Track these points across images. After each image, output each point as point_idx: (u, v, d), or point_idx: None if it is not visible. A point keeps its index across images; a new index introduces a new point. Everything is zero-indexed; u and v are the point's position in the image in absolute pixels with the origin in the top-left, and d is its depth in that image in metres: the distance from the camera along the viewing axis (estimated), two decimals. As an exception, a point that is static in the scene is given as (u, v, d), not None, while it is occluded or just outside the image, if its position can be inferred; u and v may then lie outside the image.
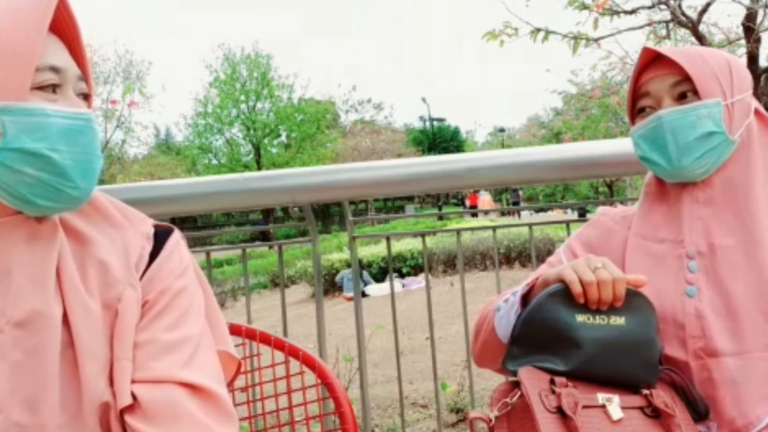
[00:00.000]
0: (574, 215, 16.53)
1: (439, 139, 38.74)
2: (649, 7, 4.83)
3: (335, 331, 5.14)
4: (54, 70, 0.69)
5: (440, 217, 18.79)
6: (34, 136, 0.66)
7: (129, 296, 0.73)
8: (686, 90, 0.95)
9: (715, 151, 0.93)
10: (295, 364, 1.13)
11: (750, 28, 4.35)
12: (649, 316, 0.90)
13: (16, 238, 0.69)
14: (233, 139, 26.23)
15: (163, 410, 0.69)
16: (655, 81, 0.97)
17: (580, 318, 0.87)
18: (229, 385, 0.85)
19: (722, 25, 6.52)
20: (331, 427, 1.21)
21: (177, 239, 0.82)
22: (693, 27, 4.54)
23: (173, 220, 1.40)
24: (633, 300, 0.90)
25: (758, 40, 4.37)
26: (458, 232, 2.14)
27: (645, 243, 1.00)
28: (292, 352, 1.13)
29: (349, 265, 8.57)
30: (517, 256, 9.05)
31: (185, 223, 21.71)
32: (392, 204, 33.09)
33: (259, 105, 25.93)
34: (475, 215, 21.88)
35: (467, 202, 28.88)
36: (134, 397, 0.70)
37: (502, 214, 21.36)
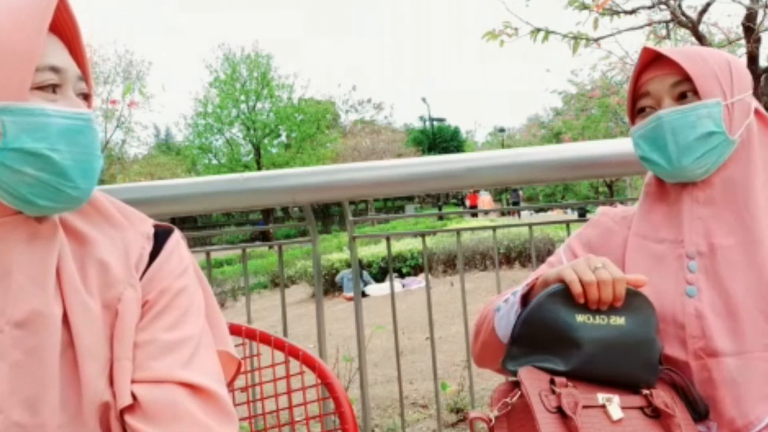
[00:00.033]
0: (574, 215, 16.53)
1: (439, 139, 38.75)
2: (649, 7, 4.83)
3: (335, 331, 5.14)
4: (54, 70, 0.69)
5: (440, 217, 18.79)
6: (34, 136, 0.66)
7: (129, 296, 0.73)
8: (686, 90, 0.95)
9: (715, 151, 0.93)
10: (295, 364, 1.13)
11: (750, 28, 4.35)
12: (649, 316, 0.90)
13: (16, 238, 0.69)
14: (233, 139, 26.23)
15: (163, 410, 0.69)
16: (655, 81, 0.97)
17: (580, 318, 0.87)
18: (229, 385, 0.85)
19: (722, 25, 6.53)
20: (331, 427, 1.21)
21: (177, 239, 0.82)
22: (693, 27, 4.54)
23: (173, 220, 1.40)
24: (633, 300, 0.90)
25: (758, 40, 4.37)
26: (458, 232, 2.14)
27: (645, 243, 1.00)
28: (292, 352, 1.13)
29: (349, 265, 8.57)
30: (517, 256, 9.05)
31: (185, 223, 21.71)
32: (392, 204, 33.09)
33: (259, 105, 25.94)
34: (475, 215, 21.88)
35: (467, 202, 28.88)
36: (134, 397, 0.70)
37: (502, 214, 21.36)
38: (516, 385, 0.86)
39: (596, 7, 4.48)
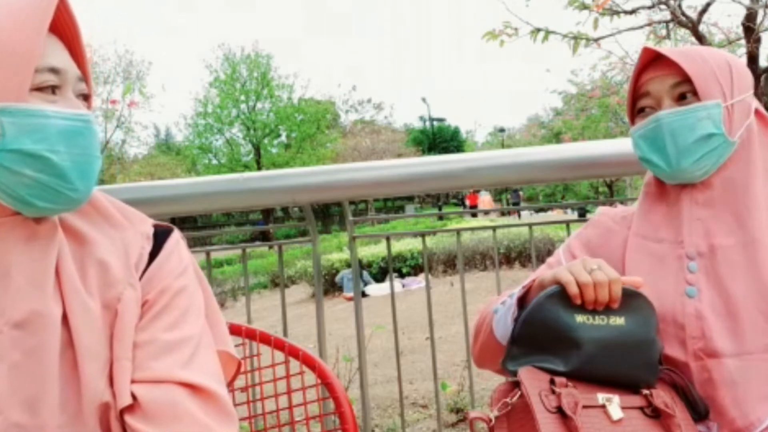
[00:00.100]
0: (574, 215, 16.53)
1: (439, 139, 38.75)
2: (649, 7, 4.83)
3: (335, 331, 5.14)
4: (54, 71, 0.69)
5: (440, 217, 18.79)
6: (34, 137, 0.66)
7: (129, 296, 0.73)
8: (686, 91, 0.94)
9: (714, 152, 0.93)
10: (295, 364, 1.13)
11: (750, 28, 4.35)
12: (648, 317, 0.90)
13: (14, 239, 0.69)
14: (233, 139, 26.24)
15: (163, 410, 0.69)
16: (655, 81, 0.97)
17: (580, 318, 0.87)
18: (229, 385, 0.85)
19: (722, 25, 6.53)
20: (331, 427, 1.21)
21: (177, 239, 0.82)
22: (693, 27, 4.54)
23: (173, 220, 1.39)
24: (633, 300, 0.90)
25: (758, 40, 4.37)
26: (458, 232, 2.14)
27: (645, 243, 1.00)
28: (292, 352, 1.13)
29: (349, 265, 8.57)
30: (517, 256, 9.05)
31: (185, 223, 21.71)
32: (392, 204, 33.09)
33: (259, 105, 25.94)
34: (475, 215, 21.88)
35: (467, 202, 28.88)
36: (134, 397, 0.69)
37: (502, 214, 21.36)
38: (516, 385, 0.86)
39: (596, 7, 4.48)
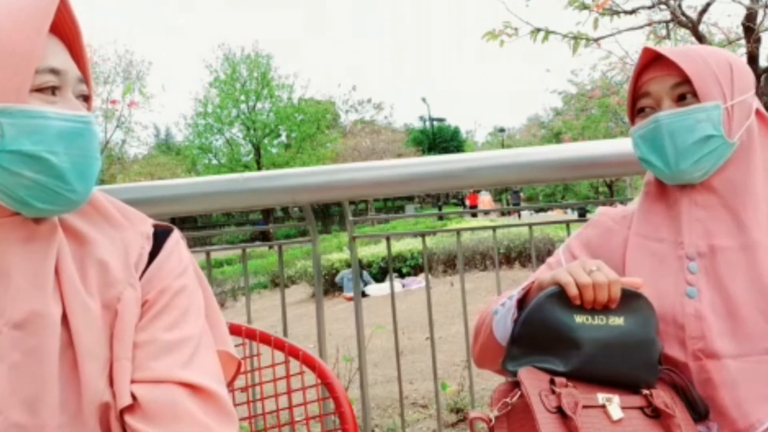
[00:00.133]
0: (574, 215, 16.52)
1: (439, 139, 38.75)
2: (649, 7, 4.83)
3: (335, 331, 5.14)
4: (54, 72, 0.69)
5: (440, 217, 18.79)
6: (33, 138, 0.65)
7: (128, 296, 0.73)
8: (686, 92, 0.94)
9: (713, 154, 0.93)
10: (295, 364, 1.13)
11: (750, 28, 4.35)
12: (648, 317, 0.90)
13: (13, 239, 0.69)
14: (233, 139, 26.24)
15: (163, 410, 0.69)
16: (656, 81, 0.97)
17: (579, 318, 0.87)
18: (229, 385, 0.85)
19: (722, 25, 6.53)
20: (331, 427, 1.21)
21: (176, 239, 0.82)
22: (693, 27, 4.53)
23: (173, 220, 1.39)
24: (632, 300, 0.90)
25: (758, 40, 4.37)
26: (458, 232, 2.14)
27: (646, 243, 1.00)
28: (292, 352, 1.13)
29: (349, 265, 8.57)
30: (517, 256, 9.05)
31: (185, 223, 21.72)
32: (392, 204, 33.09)
33: (259, 105, 25.94)
34: (475, 215, 21.88)
35: (467, 202, 28.88)
36: (134, 397, 0.69)
37: (502, 214, 21.36)
38: (516, 385, 0.86)
39: (596, 7, 4.48)
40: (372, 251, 10.19)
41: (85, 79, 0.74)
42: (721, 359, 0.88)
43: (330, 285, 9.42)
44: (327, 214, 29.05)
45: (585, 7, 4.49)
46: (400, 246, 9.93)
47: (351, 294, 7.39)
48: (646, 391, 0.86)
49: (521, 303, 0.95)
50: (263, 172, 1.81)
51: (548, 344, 0.88)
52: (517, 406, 0.85)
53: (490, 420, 0.85)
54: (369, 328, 2.39)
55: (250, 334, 1.15)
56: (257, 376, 1.20)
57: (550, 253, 1.17)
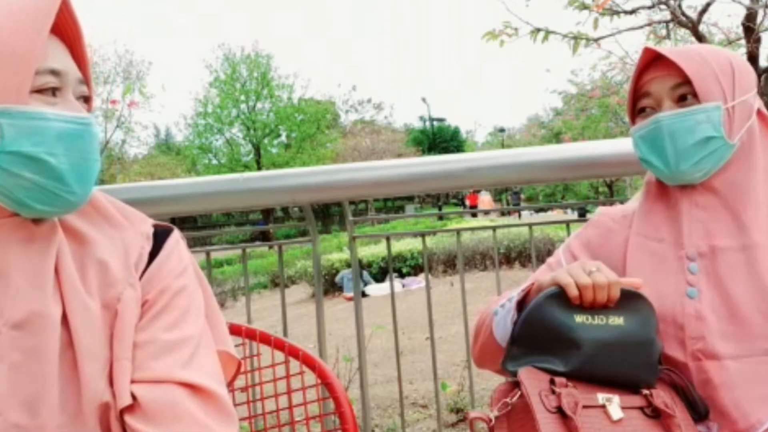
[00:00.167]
0: (574, 215, 16.52)
1: (439, 139, 38.75)
2: (649, 7, 4.82)
3: (335, 331, 5.14)
4: (54, 73, 0.69)
5: (440, 217, 18.79)
6: (33, 139, 0.65)
7: (128, 296, 0.73)
8: (686, 92, 0.94)
9: (713, 155, 0.93)
10: (295, 364, 1.13)
11: (750, 28, 4.34)
12: (648, 317, 0.90)
13: (13, 240, 0.69)
14: (233, 139, 26.24)
15: (163, 410, 0.69)
16: (656, 82, 0.97)
17: (579, 318, 0.87)
18: (229, 385, 0.85)
19: (722, 25, 6.53)
20: (331, 427, 1.21)
21: (176, 239, 0.82)
22: (693, 27, 4.53)
23: (173, 220, 1.39)
24: (632, 300, 0.90)
25: (758, 40, 4.37)
26: (458, 232, 2.14)
27: (646, 242, 1.00)
28: (292, 352, 1.13)
29: (349, 265, 8.56)
30: (517, 256, 9.05)
31: (185, 223, 21.71)
32: (392, 204, 33.08)
33: (259, 105, 25.95)
34: (475, 215, 21.88)
35: (467, 202, 28.88)
36: (134, 397, 0.69)
37: (502, 214, 21.36)
38: (516, 385, 0.86)
39: (596, 7, 4.48)
40: (372, 251, 10.19)
41: (85, 80, 0.74)
42: (721, 360, 0.88)
43: (330, 285, 9.42)
44: (327, 214, 29.05)
45: (585, 7, 4.49)
46: (400, 246, 9.93)
47: (351, 294, 7.39)
48: (646, 391, 0.86)
49: (521, 305, 0.95)
50: (263, 172, 1.81)
51: (548, 344, 0.88)
52: (517, 406, 0.85)
53: (490, 420, 0.85)
54: (369, 328, 2.39)
55: (250, 334, 1.15)
56: (257, 376, 1.20)
57: (550, 253, 1.17)
